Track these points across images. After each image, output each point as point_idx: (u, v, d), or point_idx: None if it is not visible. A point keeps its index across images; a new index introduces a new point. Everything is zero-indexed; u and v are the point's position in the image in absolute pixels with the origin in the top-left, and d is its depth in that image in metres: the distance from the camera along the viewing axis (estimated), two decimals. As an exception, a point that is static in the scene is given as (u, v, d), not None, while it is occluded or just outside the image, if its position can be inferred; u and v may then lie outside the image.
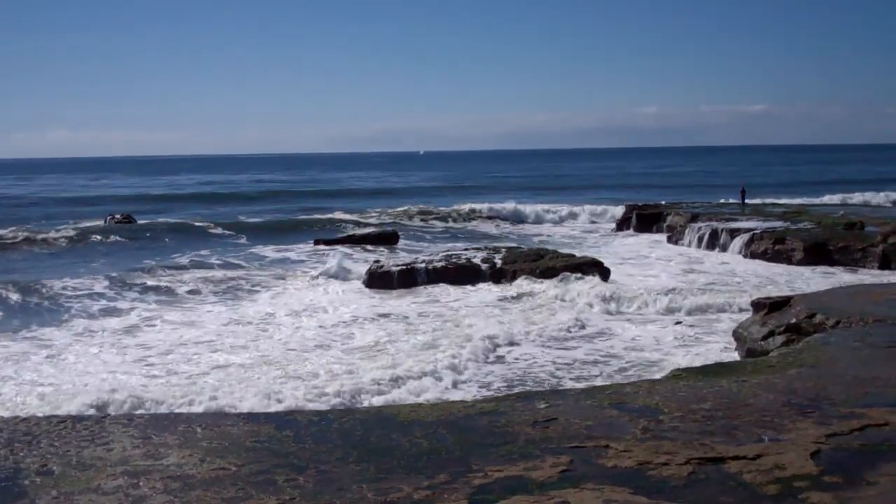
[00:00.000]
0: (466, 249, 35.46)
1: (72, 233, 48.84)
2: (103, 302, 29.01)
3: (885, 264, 33.31)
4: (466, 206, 64.15)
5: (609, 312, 26.23)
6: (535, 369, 19.87)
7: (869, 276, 31.66)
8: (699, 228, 42.52)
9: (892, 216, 41.42)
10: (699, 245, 41.33)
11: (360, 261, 36.64)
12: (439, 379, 18.48)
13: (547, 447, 8.42)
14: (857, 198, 66.59)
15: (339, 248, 41.41)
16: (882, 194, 68.69)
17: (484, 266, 31.72)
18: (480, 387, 18.32)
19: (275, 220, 58.15)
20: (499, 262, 31.89)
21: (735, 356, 18.88)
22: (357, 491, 7.27)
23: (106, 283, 31.50)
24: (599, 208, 62.15)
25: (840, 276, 31.72)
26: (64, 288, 30.48)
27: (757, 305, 20.33)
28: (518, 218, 60.79)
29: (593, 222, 58.48)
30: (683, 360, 19.69)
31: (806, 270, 33.53)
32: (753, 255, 36.59)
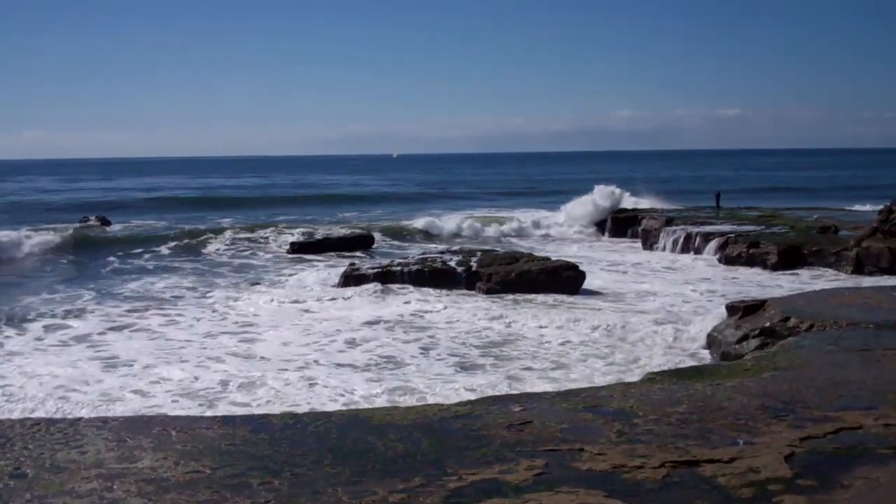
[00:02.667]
0: (442, 253, 35.41)
1: (50, 234, 48.50)
2: (78, 303, 28.71)
3: (858, 268, 33.52)
4: (445, 216, 63.74)
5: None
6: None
7: (843, 279, 31.87)
8: (674, 232, 42.71)
9: (866, 220, 41.65)
10: (674, 249, 41.52)
11: (339, 265, 36.35)
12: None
13: (522, 450, 8.43)
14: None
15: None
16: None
17: (459, 269, 31.67)
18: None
19: (249, 223, 57.69)
20: (474, 265, 31.84)
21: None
22: (332, 494, 7.26)
23: (77, 286, 31.30)
24: (574, 212, 61.97)
25: (814, 280, 31.93)
26: (32, 290, 30.28)
27: (731, 309, 20.41)
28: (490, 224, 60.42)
29: (568, 226, 58.32)
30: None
31: (780, 274, 33.73)
32: (728, 259, 36.75)
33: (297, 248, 43.61)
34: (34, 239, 45.71)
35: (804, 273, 33.89)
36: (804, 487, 7.38)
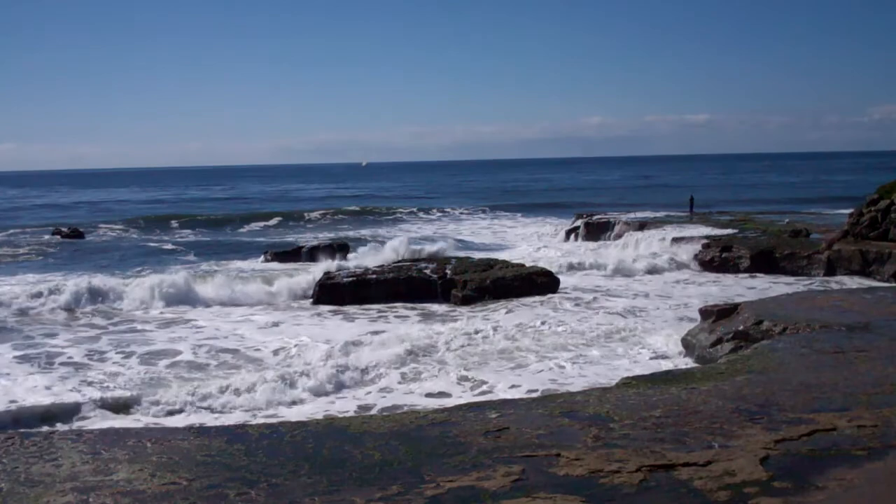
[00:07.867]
0: (416, 261, 35.36)
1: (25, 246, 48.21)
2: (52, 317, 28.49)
3: (830, 271, 33.75)
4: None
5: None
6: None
7: (815, 282, 32.04)
8: (647, 237, 42.81)
9: (836, 223, 41.94)
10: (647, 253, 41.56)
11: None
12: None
13: (499, 457, 8.42)
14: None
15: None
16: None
17: (434, 277, 31.68)
18: None
19: (218, 240, 57.10)
20: (449, 272, 31.87)
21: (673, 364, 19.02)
22: (309, 504, 7.24)
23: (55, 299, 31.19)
24: (547, 219, 62.17)
25: (786, 283, 32.05)
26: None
27: (705, 313, 20.50)
28: (463, 231, 60.43)
29: (542, 234, 58.30)
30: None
31: (752, 277, 33.87)
32: (701, 264, 36.92)
33: (273, 256, 43.27)
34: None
35: (776, 276, 34.03)
36: (779, 489, 7.41)
